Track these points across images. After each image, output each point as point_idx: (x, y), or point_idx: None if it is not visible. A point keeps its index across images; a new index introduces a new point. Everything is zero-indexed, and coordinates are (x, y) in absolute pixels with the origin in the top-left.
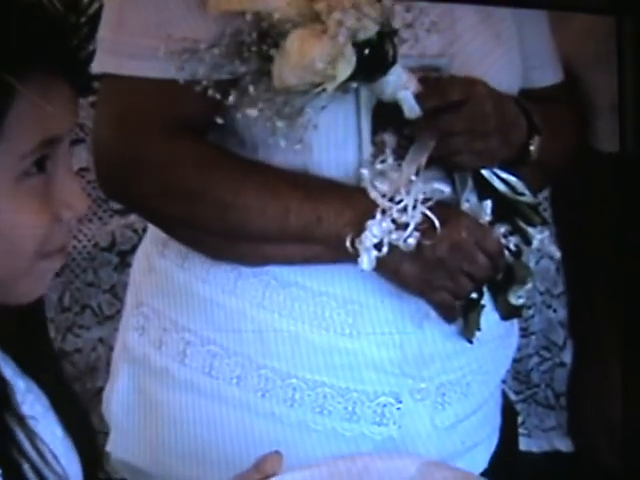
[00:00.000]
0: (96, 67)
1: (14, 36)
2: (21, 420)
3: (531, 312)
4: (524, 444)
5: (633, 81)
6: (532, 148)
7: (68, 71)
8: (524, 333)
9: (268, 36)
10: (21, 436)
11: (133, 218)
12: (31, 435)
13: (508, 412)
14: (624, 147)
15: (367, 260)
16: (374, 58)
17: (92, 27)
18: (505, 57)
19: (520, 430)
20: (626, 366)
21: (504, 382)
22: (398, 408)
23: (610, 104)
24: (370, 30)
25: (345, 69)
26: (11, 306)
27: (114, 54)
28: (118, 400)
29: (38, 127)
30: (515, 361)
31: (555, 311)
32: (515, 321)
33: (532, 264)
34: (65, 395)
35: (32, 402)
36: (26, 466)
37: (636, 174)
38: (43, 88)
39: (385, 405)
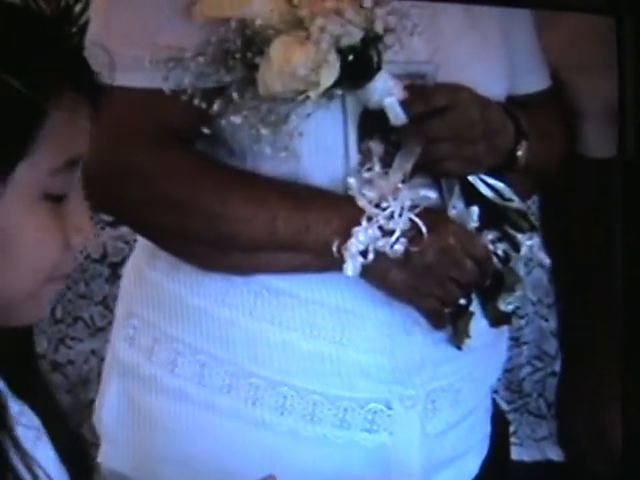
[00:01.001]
0: None
1: (51, 51)
2: (16, 443)
3: (523, 322)
4: (516, 453)
5: (633, 82)
6: (520, 154)
7: (90, 89)
8: (516, 343)
9: (253, 43)
10: (16, 459)
11: (124, 230)
12: (26, 458)
13: (499, 420)
14: (623, 149)
15: (352, 267)
16: (358, 64)
17: (83, 38)
18: (492, 63)
19: (512, 439)
20: (625, 373)
21: (496, 392)
22: (389, 415)
23: (597, 110)
24: (354, 36)
25: (329, 76)
26: (6, 328)
27: (100, 63)
28: (109, 410)
29: (67, 145)
30: (507, 371)
31: (547, 321)
32: (505, 328)
33: (524, 274)
34: (57, 417)
35: (25, 425)
36: None
37: (636, 178)
38: (74, 106)
39: (375, 412)
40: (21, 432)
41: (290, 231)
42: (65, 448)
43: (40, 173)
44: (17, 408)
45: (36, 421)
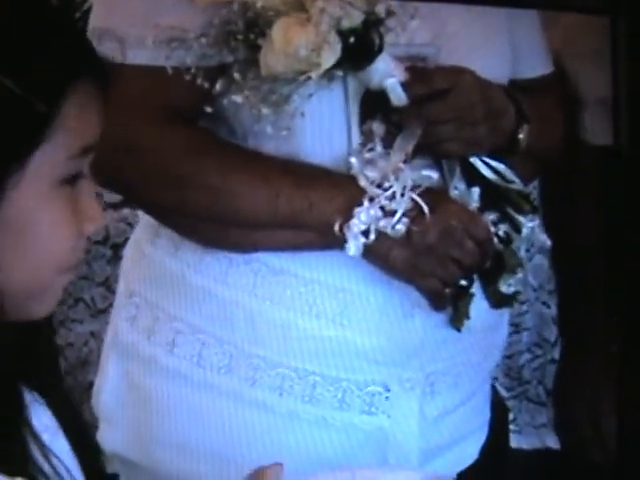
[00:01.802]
0: None
1: (65, 40)
2: (34, 435)
3: (525, 308)
4: (515, 441)
5: (626, 80)
6: (521, 137)
7: (102, 75)
8: (516, 329)
9: (255, 25)
10: (34, 450)
11: (126, 211)
12: (44, 449)
13: (499, 407)
14: (618, 144)
15: (354, 247)
16: (360, 46)
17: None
18: (494, 47)
19: (511, 427)
20: (623, 364)
21: (495, 379)
22: (387, 397)
23: (596, 97)
24: (354, 18)
25: (329, 57)
26: (19, 322)
27: (104, 42)
28: (107, 391)
29: (83, 131)
30: (506, 357)
31: (549, 307)
32: (505, 312)
33: (525, 259)
34: (68, 408)
35: (40, 416)
36: None
37: (631, 170)
38: (89, 94)
39: (374, 394)
40: (37, 424)
41: (292, 209)
42: (77, 440)
43: (57, 160)
44: (31, 399)
45: (49, 412)
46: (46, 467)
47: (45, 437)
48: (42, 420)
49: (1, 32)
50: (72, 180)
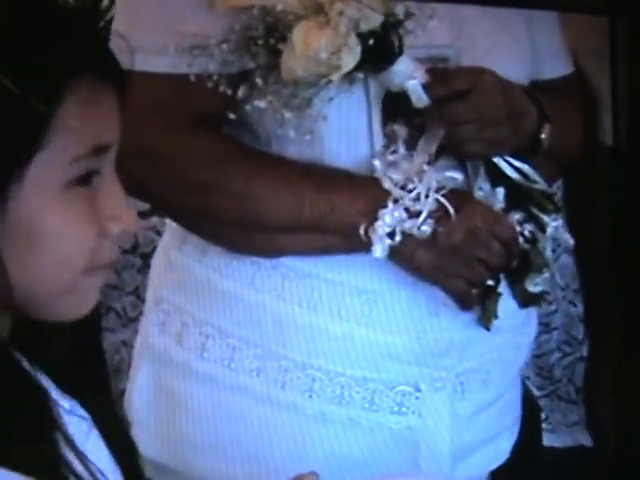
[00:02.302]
0: None
1: (64, 39)
2: (69, 441)
3: (553, 307)
4: (548, 440)
5: (626, 80)
6: (543, 137)
7: (113, 76)
8: (546, 329)
9: (275, 30)
10: (71, 456)
11: (155, 220)
12: (80, 455)
13: (531, 405)
14: (619, 145)
15: (380, 248)
16: (379, 49)
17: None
18: (514, 48)
19: (544, 426)
20: (622, 361)
21: (527, 378)
22: (417, 397)
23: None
24: (373, 21)
25: (349, 59)
26: (57, 324)
27: (127, 50)
28: (139, 396)
29: (89, 131)
30: (537, 357)
31: (575, 306)
32: (533, 310)
33: (552, 259)
34: (108, 415)
35: (77, 423)
36: None
37: (631, 168)
38: (94, 93)
39: (404, 394)
40: (73, 429)
41: (316, 212)
42: (117, 444)
43: (61, 162)
44: (68, 406)
45: (88, 418)
46: (84, 473)
47: (81, 442)
48: (80, 427)
49: None
50: (85, 180)
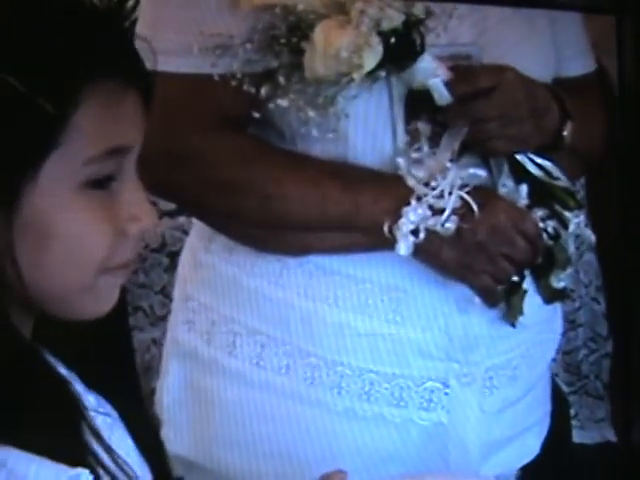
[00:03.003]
0: None
1: (82, 40)
2: (96, 433)
3: (577, 304)
4: (577, 436)
5: (634, 79)
6: (565, 134)
7: (136, 78)
8: (572, 325)
9: (297, 29)
10: (97, 448)
11: (182, 220)
12: (107, 447)
13: (560, 401)
14: (626, 149)
15: (404, 246)
16: (401, 47)
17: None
18: (537, 45)
19: (573, 422)
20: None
21: (556, 375)
22: (446, 393)
23: None
24: (394, 19)
25: (371, 58)
26: (79, 321)
27: (151, 51)
28: (169, 394)
29: (104, 134)
30: (565, 353)
31: (598, 303)
32: (558, 305)
33: (576, 256)
34: (136, 412)
35: (104, 417)
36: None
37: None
38: (113, 96)
39: (432, 390)
40: (100, 424)
41: (341, 211)
42: (145, 442)
43: (75, 163)
44: (94, 400)
45: (114, 412)
46: (112, 466)
47: (108, 436)
48: (106, 421)
49: (8, 32)
50: (102, 183)
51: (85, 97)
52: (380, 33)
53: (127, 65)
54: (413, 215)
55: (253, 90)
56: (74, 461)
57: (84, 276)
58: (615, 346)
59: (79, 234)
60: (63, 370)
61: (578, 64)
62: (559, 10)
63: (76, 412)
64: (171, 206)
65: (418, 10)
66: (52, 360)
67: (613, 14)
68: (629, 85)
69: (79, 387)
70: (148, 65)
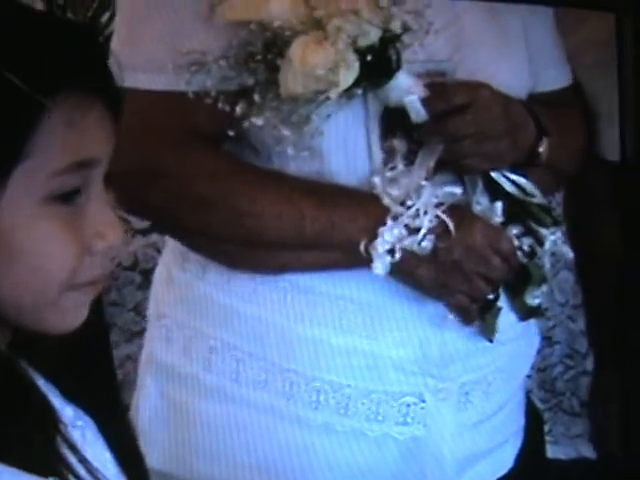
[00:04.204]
0: None
1: (48, 51)
2: (73, 447)
3: (552, 323)
4: (551, 452)
5: (633, 80)
6: (541, 150)
7: (103, 91)
8: (548, 343)
9: (273, 45)
10: (74, 462)
11: (155, 237)
12: (83, 460)
13: (534, 415)
14: (624, 147)
15: (381, 266)
16: (377, 64)
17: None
18: (513, 60)
19: (547, 438)
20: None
21: (530, 392)
22: (422, 408)
23: (613, 112)
24: (371, 36)
25: (347, 75)
26: (54, 334)
27: (125, 68)
28: (146, 410)
29: (69, 147)
30: (540, 370)
31: (575, 321)
32: (534, 321)
33: (551, 274)
34: (116, 423)
35: (82, 429)
36: None
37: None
38: (78, 108)
39: (409, 405)
40: (77, 436)
41: (317, 229)
42: (124, 453)
43: (41, 176)
44: (72, 413)
45: (92, 425)
46: (82, 473)
47: (86, 449)
48: (84, 433)
49: None
50: (67, 197)
51: (51, 109)
52: (357, 50)
53: (93, 77)
54: (389, 235)
55: (228, 108)
56: (48, 473)
57: (49, 292)
58: (595, 363)
59: (43, 250)
60: (41, 382)
61: (554, 78)
62: (560, 7)
63: (51, 424)
64: (144, 224)
65: (395, 26)
66: (30, 372)
67: (613, 12)
68: (629, 86)
69: (57, 399)
70: (122, 82)
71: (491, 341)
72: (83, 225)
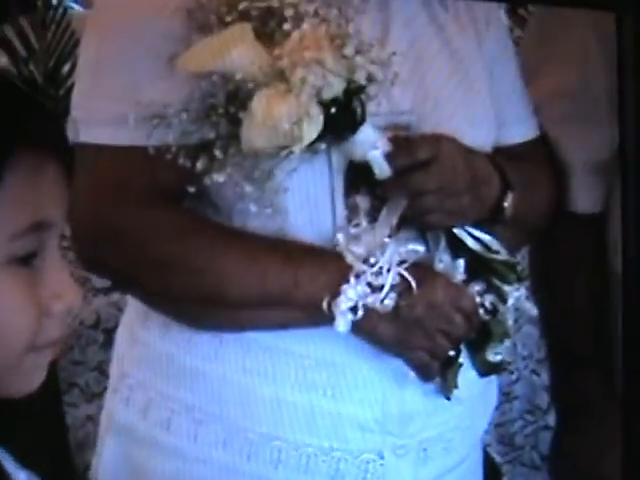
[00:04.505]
0: (70, 135)
1: (3, 115)
2: None
3: (514, 377)
4: None
5: (633, 81)
6: (506, 205)
7: (57, 150)
8: (507, 398)
9: (235, 98)
10: None
11: (116, 296)
12: None
13: (492, 469)
14: (623, 147)
15: (343, 323)
16: (342, 117)
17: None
18: (478, 113)
19: None
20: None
21: (488, 446)
22: (381, 464)
23: (580, 163)
24: (335, 87)
25: (312, 129)
26: (11, 399)
27: (86, 122)
28: (106, 471)
29: (29, 209)
30: (498, 425)
31: (538, 375)
32: (494, 378)
33: (514, 329)
34: None
35: None
36: None
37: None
38: (33, 170)
39: (368, 462)
40: None
41: (279, 288)
42: None
43: (2, 239)
44: (25, 477)
45: None
46: None
47: None
48: None
49: None
50: (25, 260)
51: (8, 171)
52: (321, 103)
53: (48, 138)
54: (352, 292)
55: (189, 164)
56: None
57: (9, 356)
58: (558, 417)
59: (3, 314)
60: None
61: (520, 130)
62: (561, 6)
63: None
64: (105, 283)
65: (360, 76)
66: None
67: (614, 11)
68: (629, 86)
69: (9, 464)
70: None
71: (449, 399)
72: (41, 287)
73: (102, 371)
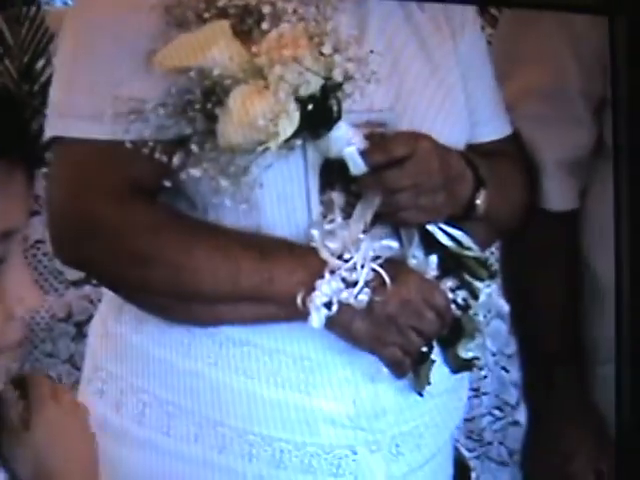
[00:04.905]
0: (48, 130)
1: None
2: None
3: (483, 373)
4: None
5: (626, 81)
6: (478, 202)
7: (25, 159)
8: (476, 393)
9: (212, 94)
10: None
11: (88, 289)
12: None
13: (461, 465)
14: (618, 147)
15: (317, 319)
16: (318, 114)
17: (45, 95)
18: (452, 111)
19: None
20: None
21: (457, 441)
22: (354, 460)
23: (553, 161)
24: (312, 85)
25: (288, 126)
26: None
27: (64, 116)
28: None
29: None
30: (467, 420)
31: (507, 371)
32: (465, 375)
33: (483, 325)
34: None
35: None
36: None
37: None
38: (2, 179)
39: (341, 457)
40: None
41: (254, 282)
42: None
43: None
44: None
45: None
46: None
47: None
48: None
49: None
50: None
51: None
52: (298, 99)
53: (17, 148)
54: (327, 288)
55: (165, 159)
56: None
57: None
58: (529, 414)
59: None
60: None
61: (493, 129)
62: (550, 10)
63: None
64: (77, 275)
65: (337, 74)
66: None
67: (605, 14)
68: (622, 87)
69: None
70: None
71: (421, 395)
72: (5, 292)
73: (74, 364)
